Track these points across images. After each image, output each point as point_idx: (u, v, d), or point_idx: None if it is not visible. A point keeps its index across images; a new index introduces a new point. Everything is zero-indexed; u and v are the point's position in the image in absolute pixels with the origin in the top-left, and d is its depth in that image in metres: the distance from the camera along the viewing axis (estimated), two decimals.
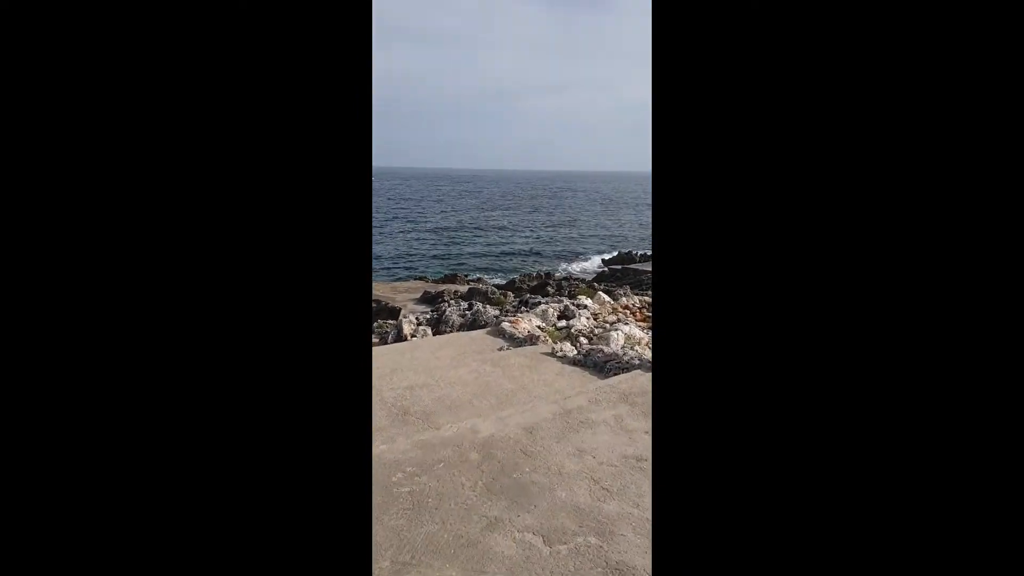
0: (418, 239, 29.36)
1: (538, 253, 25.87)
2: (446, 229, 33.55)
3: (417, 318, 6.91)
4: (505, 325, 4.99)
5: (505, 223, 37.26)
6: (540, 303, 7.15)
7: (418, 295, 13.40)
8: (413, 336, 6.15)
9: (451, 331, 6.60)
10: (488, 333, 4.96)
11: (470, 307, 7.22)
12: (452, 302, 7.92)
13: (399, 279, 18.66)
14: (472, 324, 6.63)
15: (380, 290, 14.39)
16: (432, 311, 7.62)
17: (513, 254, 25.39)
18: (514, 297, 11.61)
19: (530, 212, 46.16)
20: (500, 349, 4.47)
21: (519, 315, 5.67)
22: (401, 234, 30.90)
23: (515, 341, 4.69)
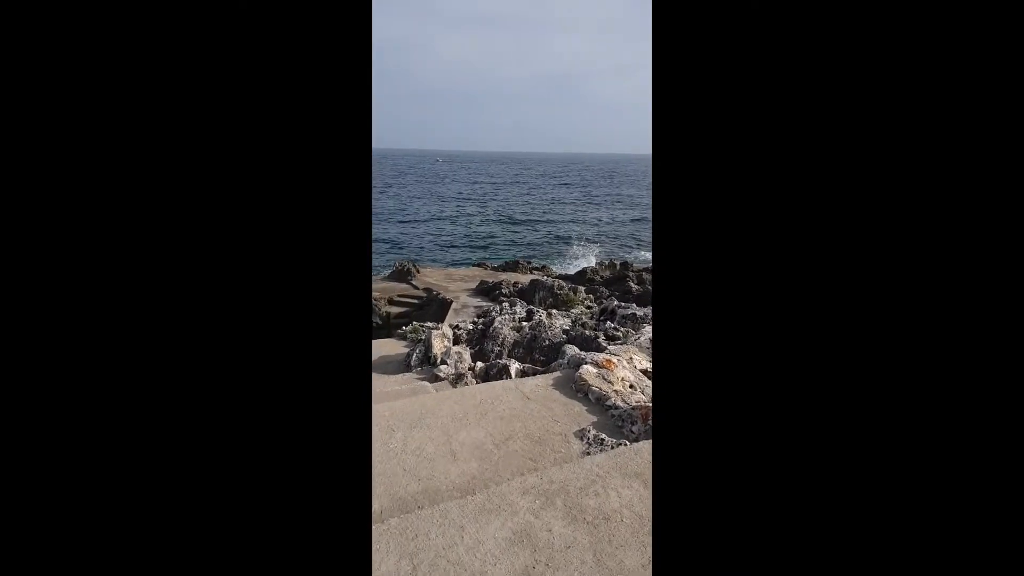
0: (483, 222, 27.55)
1: (610, 238, 23.07)
2: (508, 213, 31.49)
3: (455, 331, 4.78)
4: (588, 370, 2.71)
5: (572, 206, 34.52)
6: (635, 314, 4.76)
7: (474, 284, 11.39)
8: (442, 363, 4.04)
9: (500, 352, 4.43)
10: (555, 385, 2.70)
11: (529, 316, 5.00)
12: (506, 304, 5.74)
13: (456, 264, 16.85)
14: (531, 344, 4.41)
15: (433, 277, 12.54)
16: (478, 320, 5.45)
17: (581, 238, 22.82)
18: (586, 293, 9.26)
19: (600, 195, 42.88)
20: (583, 437, 2.20)
21: (610, 346, 3.37)
22: (463, 217, 29.26)
23: (611, 413, 2.39)
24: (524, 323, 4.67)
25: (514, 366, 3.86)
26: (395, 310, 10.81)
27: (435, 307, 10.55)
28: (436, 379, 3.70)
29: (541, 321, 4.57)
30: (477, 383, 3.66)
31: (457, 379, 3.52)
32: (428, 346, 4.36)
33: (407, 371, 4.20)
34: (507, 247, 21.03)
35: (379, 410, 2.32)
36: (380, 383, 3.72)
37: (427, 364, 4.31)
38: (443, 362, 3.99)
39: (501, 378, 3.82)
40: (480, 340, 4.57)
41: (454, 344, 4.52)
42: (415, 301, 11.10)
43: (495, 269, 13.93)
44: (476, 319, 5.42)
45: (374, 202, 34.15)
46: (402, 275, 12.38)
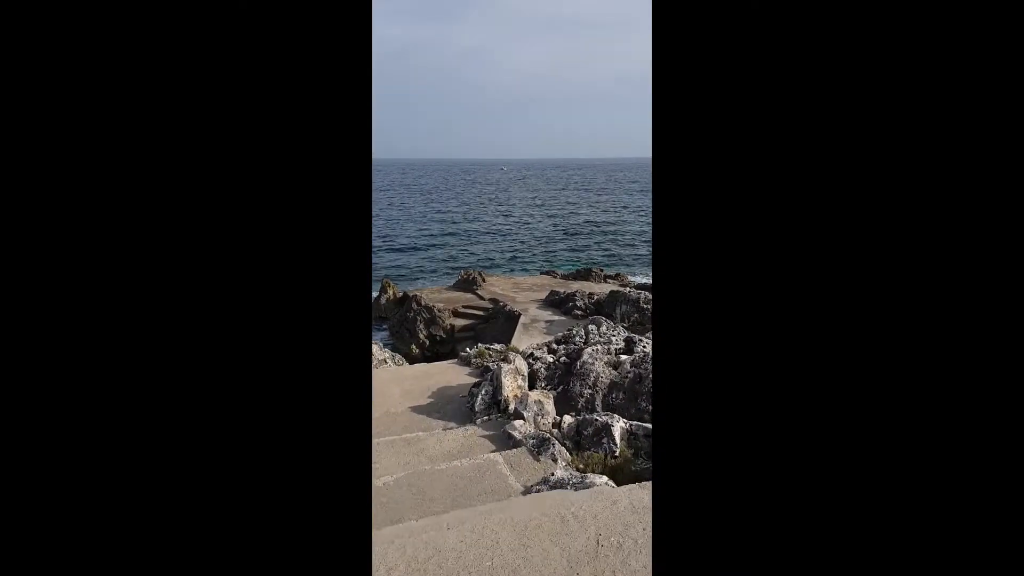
0: (551, 228, 26.50)
1: None
2: (577, 219, 30.20)
3: (531, 364, 3.70)
4: None
5: (644, 211, 32.49)
6: None
7: (543, 295, 10.32)
8: (517, 417, 2.96)
9: (591, 398, 3.28)
10: None
11: (628, 347, 3.80)
12: (592, 327, 4.58)
13: (523, 271, 15.86)
14: (635, 388, 3.21)
15: (500, 286, 11.62)
16: (558, 346, 4.34)
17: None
18: None
19: None
20: None
21: None
22: (529, 224, 28.38)
23: None
24: (623, 356, 3.50)
25: (618, 425, 2.72)
26: (460, 322, 9.99)
27: (502, 321, 9.58)
28: (510, 440, 2.64)
29: (648, 355, 3.37)
30: (568, 452, 2.56)
31: (539, 446, 2.44)
32: (497, 386, 3.32)
33: (470, 421, 3.18)
34: (576, 254, 19.79)
35: (416, 534, 1.28)
36: (434, 442, 2.72)
37: (496, 410, 3.27)
38: (518, 414, 2.92)
39: (601, 441, 2.70)
40: (564, 378, 3.46)
41: (530, 384, 3.44)
42: (481, 313, 10.22)
43: (565, 278, 12.76)
44: (555, 345, 4.32)
45: (442, 211, 34.44)
46: (467, 284, 11.59)
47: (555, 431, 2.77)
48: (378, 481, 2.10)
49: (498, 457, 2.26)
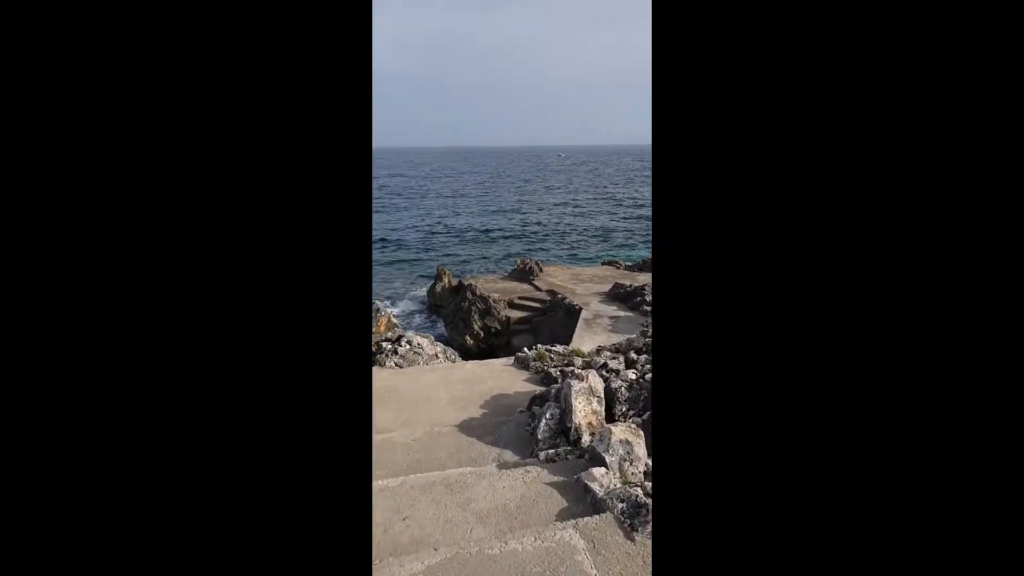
0: (611, 217, 25.23)
1: None
2: (640, 206, 28.58)
3: (606, 379, 2.94)
4: None
5: None
6: None
7: (606, 287, 9.45)
8: (597, 459, 2.23)
9: None
10: None
11: None
12: None
13: (583, 261, 14.95)
14: None
15: (558, 277, 10.85)
16: (639, 355, 3.54)
17: None
18: None
19: None
20: None
21: None
22: (590, 212, 27.19)
23: None
24: None
25: None
26: (515, 314, 9.35)
27: (561, 315, 8.83)
28: (587, 495, 1.94)
29: None
30: None
31: (633, 515, 1.72)
32: (566, 409, 2.62)
33: (531, 452, 2.51)
34: (643, 242, 18.54)
35: None
36: (486, 488, 2.06)
37: (564, 440, 2.58)
38: (597, 457, 2.19)
39: None
40: (650, 403, 2.70)
41: (608, 413, 2.71)
42: (538, 305, 9.51)
43: (630, 269, 11.74)
44: (635, 355, 3.53)
45: (497, 196, 33.96)
46: (524, 274, 10.91)
47: (648, 484, 2.03)
48: (405, 567, 1.46)
49: (575, 537, 1.56)
